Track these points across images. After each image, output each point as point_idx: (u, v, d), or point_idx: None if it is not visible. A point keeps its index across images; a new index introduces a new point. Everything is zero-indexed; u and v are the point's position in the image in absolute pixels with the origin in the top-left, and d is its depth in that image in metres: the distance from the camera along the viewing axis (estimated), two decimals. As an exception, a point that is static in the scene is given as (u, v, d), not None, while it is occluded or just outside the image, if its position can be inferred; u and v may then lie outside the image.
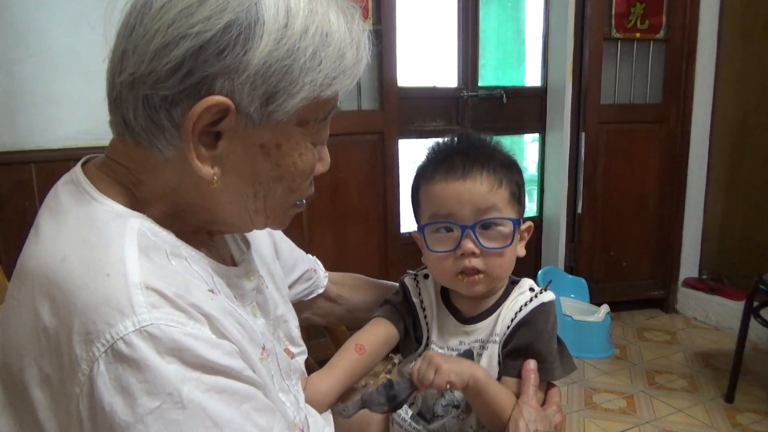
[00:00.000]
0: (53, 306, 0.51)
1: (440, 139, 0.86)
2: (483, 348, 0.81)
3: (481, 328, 0.82)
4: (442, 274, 0.81)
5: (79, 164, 0.62)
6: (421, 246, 0.84)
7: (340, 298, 1.04)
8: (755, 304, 2.11)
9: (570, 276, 2.79)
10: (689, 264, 3.04)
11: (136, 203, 0.59)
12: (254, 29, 0.52)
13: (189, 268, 0.57)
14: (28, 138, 1.79)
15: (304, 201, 0.69)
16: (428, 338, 0.85)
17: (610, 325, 2.61)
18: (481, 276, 0.79)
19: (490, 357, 0.80)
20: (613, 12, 2.71)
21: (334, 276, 1.07)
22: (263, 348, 0.64)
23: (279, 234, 0.93)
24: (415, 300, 0.87)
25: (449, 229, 0.80)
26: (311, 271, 1.00)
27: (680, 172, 2.92)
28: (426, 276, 0.89)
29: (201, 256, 0.61)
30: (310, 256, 1.03)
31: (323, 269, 1.05)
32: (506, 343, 0.79)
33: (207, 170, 0.56)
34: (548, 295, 0.82)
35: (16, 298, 0.55)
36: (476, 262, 0.78)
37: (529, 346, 0.78)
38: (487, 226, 0.78)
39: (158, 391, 0.47)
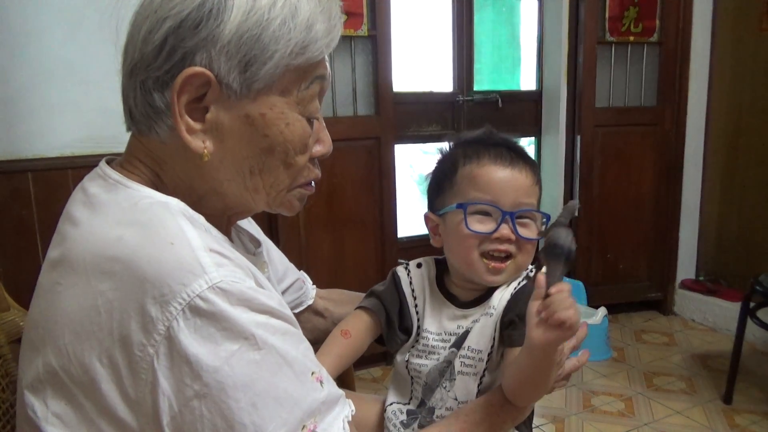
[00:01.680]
0: (115, 280, 0.54)
1: (469, 131, 0.89)
2: (474, 323, 0.83)
3: (478, 309, 0.84)
4: (467, 254, 0.82)
5: (103, 161, 0.66)
6: (433, 229, 0.87)
7: (327, 312, 1.05)
8: (752, 305, 2.12)
9: (567, 279, 2.79)
10: (686, 266, 3.05)
11: (161, 192, 0.63)
12: (225, 3, 0.57)
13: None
14: (25, 146, 1.79)
15: (313, 184, 0.71)
16: (419, 327, 0.87)
17: (608, 328, 2.62)
18: (509, 264, 0.82)
19: (481, 328, 0.82)
20: (607, 16, 2.72)
21: (321, 291, 1.08)
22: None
23: (270, 242, 0.95)
24: (406, 290, 0.89)
25: (486, 213, 0.82)
26: (300, 282, 1.02)
27: (676, 174, 2.93)
28: (419, 265, 0.90)
29: (226, 240, 0.65)
30: (297, 269, 1.04)
31: (311, 282, 1.06)
32: (505, 314, 0.80)
33: (197, 143, 0.60)
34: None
35: (63, 284, 0.57)
36: (511, 249, 0.82)
37: (523, 314, 0.78)
38: (522, 216, 0.82)
39: (236, 336, 0.53)
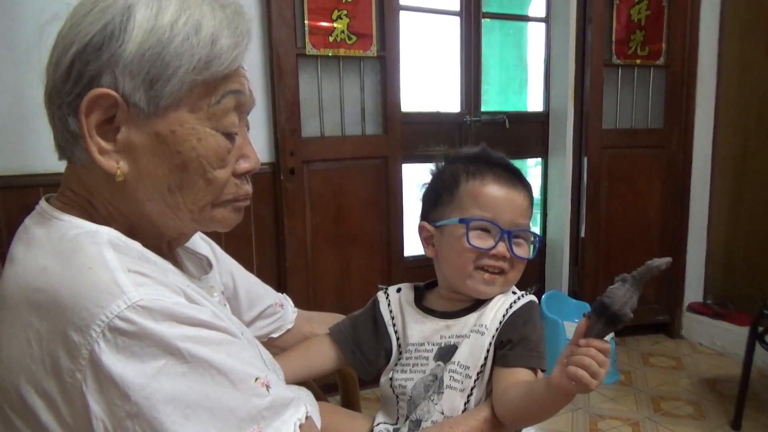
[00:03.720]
0: (40, 311, 0.54)
1: (467, 147, 0.94)
2: (461, 339, 0.84)
3: (462, 322, 0.86)
4: (464, 266, 0.86)
5: (42, 198, 0.68)
6: (426, 239, 0.91)
7: (312, 335, 1.03)
8: (760, 329, 2.10)
9: (574, 300, 2.78)
10: (694, 288, 3.02)
11: (96, 222, 0.64)
12: (126, 25, 0.58)
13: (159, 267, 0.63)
14: (38, 161, 1.82)
15: (246, 200, 0.70)
16: (399, 345, 0.90)
17: (615, 351, 2.59)
18: (499, 278, 0.85)
19: (471, 346, 0.83)
20: (614, 39, 2.75)
21: (307, 313, 1.08)
22: (242, 334, 0.67)
23: (238, 270, 0.96)
24: (384, 311, 0.93)
25: (486, 230, 0.85)
26: (275, 306, 1.01)
27: (683, 196, 2.92)
28: (398, 290, 0.95)
29: (167, 264, 0.65)
30: (278, 293, 1.04)
31: (293, 306, 1.06)
32: (501, 334, 0.83)
33: (110, 164, 0.61)
34: (532, 297, 0.88)
35: (0, 322, 0.58)
36: (505, 266, 0.85)
37: (523, 336, 0.82)
38: (518, 235, 0.86)
39: (162, 352, 0.53)
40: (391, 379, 0.88)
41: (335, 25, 2.20)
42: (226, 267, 0.93)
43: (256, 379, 0.58)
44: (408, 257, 2.50)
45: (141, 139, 0.61)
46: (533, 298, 0.88)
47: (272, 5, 2.08)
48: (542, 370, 0.82)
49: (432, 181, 0.93)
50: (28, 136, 1.81)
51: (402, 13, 2.38)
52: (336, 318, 1.08)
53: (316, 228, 2.26)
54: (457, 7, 2.72)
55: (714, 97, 2.90)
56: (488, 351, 0.82)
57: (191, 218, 0.66)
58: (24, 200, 1.79)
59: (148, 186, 0.63)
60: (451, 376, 0.82)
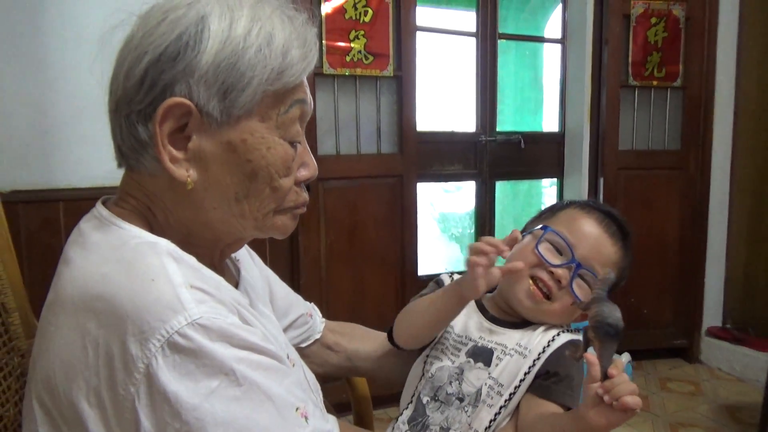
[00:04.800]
0: (99, 318, 0.54)
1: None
2: (504, 354, 0.83)
3: (507, 334, 0.86)
4: (521, 262, 0.84)
5: (99, 202, 0.68)
6: (511, 243, 0.83)
7: (338, 346, 1.03)
8: (782, 355, 2.05)
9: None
10: (713, 312, 2.97)
11: (154, 231, 0.64)
12: (201, 35, 0.59)
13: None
14: (59, 177, 1.85)
15: (304, 207, 0.71)
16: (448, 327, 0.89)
17: (632, 375, 2.55)
18: (545, 303, 0.84)
19: (507, 365, 0.82)
20: (630, 60, 2.75)
21: (332, 324, 1.07)
22: (287, 356, 0.68)
23: (274, 277, 0.95)
24: None
25: (560, 250, 0.85)
26: (306, 316, 1.00)
27: (701, 219, 2.89)
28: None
29: (221, 279, 0.65)
30: (307, 302, 1.04)
31: (320, 315, 1.05)
32: (547, 363, 0.81)
33: (181, 172, 0.61)
34: (576, 335, 0.85)
35: (54, 324, 0.59)
36: (553, 287, 0.84)
37: (568, 374, 0.80)
38: (584, 276, 0.84)
39: (216, 373, 0.53)
40: (426, 356, 0.89)
41: (352, 45, 2.23)
42: (264, 274, 0.92)
43: (297, 408, 0.58)
44: (422, 276, 2.49)
45: (212, 148, 0.61)
46: (577, 336, 0.85)
47: None
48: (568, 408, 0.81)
49: (544, 208, 0.96)
50: (50, 152, 1.85)
51: (418, 33, 2.40)
52: (359, 329, 1.08)
53: (330, 246, 2.27)
54: (473, 28, 2.75)
55: (732, 119, 2.88)
56: (525, 375, 0.81)
57: (254, 225, 0.67)
58: (44, 215, 1.82)
59: (215, 194, 0.63)
60: (488, 392, 0.82)
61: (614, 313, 0.70)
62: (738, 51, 2.84)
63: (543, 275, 0.84)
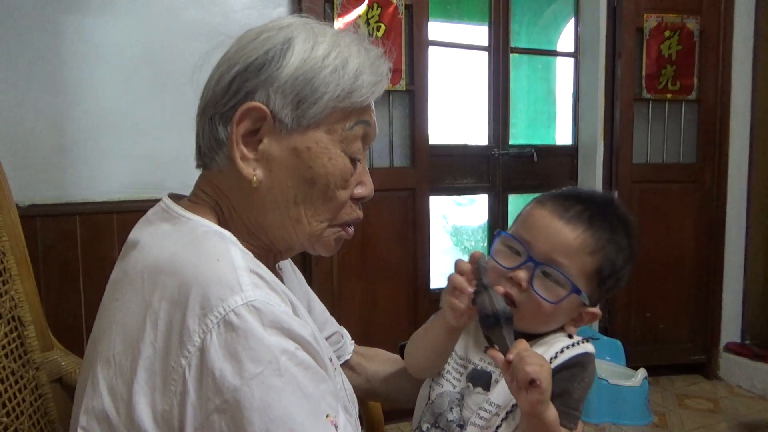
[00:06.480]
0: (164, 291, 0.58)
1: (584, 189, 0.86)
2: (498, 370, 0.79)
3: None
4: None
5: (165, 196, 0.72)
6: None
7: (360, 367, 1.04)
8: (803, 372, 2.01)
9: (605, 337, 2.71)
10: (731, 328, 2.92)
11: (221, 224, 0.69)
12: (286, 52, 0.66)
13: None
14: (76, 191, 1.88)
15: (352, 228, 0.75)
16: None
17: (648, 391, 2.51)
18: (513, 310, 0.76)
19: (505, 386, 0.76)
20: (644, 73, 2.74)
21: (359, 347, 1.08)
22: (330, 360, 0.70)
23: (313, 294, 0.98)
24: None
25: (517, 252, 0.78)
26: (338, 335, 1.02)
27: (718, 233, 2.85)
28: None
29: (274, 276, 0.67)
30: (339, 325, 1.05)
31: (350, 338, 1.06)
32: None
33: (248, 170, 0.67)
34: (590, 347, 0.80)
35: (120, 299, 0.63)
36: (515, 293, 0.77)
37: (565, 390, 0.75)
38: (548, 273, 0.76)
39: (261, 359, 0.55)
40: (431, 380, 0.86)
41: (365, 60, 2.25)
42: (304, 289, 0.95)
43: (327, 415, 0.59)
44: (434, 290, 2.48)
45: (279, 152, 0.67)
46: (589, 348, 0.79)
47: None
48: (570, 429, 0.76)
49: None
50: (68, 167, 1.88)
51: (431, 48, 2.42)
52: (379, 352, 1.07)
53: (342, 259, 2.27)
54: (485, 42, 2.76)
55: (749, 131, 2.85)
56: None
57: (308, 232, 0.71)
58: (61, 228, 1.85)
59: (276, 195, 0.68)
60: (478, 413, 0.79)
61: (491, 301, 0.70)
62: (754, 63, 2.82)
63: (505, 283, 0.77)
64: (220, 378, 0.54)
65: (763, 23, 2.79)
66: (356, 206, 0.74)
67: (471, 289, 0.73)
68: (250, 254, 0.65)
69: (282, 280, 0.82)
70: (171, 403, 0.55)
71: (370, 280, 2.34)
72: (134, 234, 0.68)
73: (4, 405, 0.79)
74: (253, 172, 0.67)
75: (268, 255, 0.74)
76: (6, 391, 0.79)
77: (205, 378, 0.54)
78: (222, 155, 0.68)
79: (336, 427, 0.59)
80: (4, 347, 0.81)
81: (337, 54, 0.68)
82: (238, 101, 0.66)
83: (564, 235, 0.77)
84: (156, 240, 0.65)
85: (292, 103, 0.66)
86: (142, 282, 0.61)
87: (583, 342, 0.80)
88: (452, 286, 0.76)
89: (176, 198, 0.73)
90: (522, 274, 0.76)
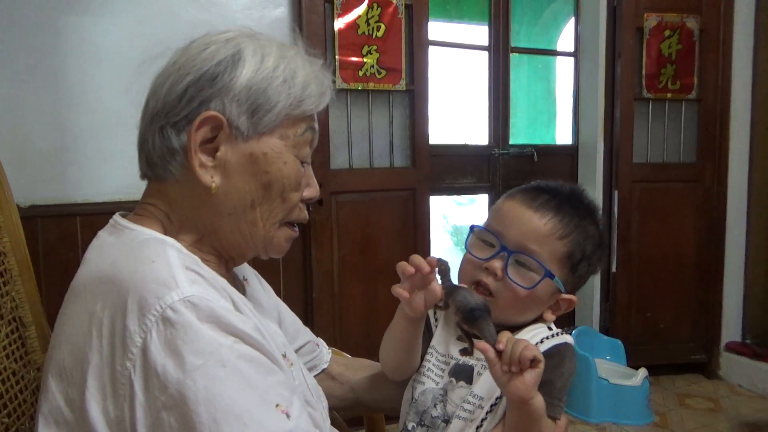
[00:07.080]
0: (105, 299, 0.59)
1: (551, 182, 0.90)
2: (485, 367, 0.79)
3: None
4: (464, 275, 0.85)
5: (116, 214, 0.74)
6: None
7: (342, 377, 1.03)
8: (804, 371, 2.01)
9: (605, 337, 2.71)
10: (732, 327, 2.92)
11: (167, 233, 0.71)
12: (238, 63, 0.69)
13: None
14: (76, 191, 1.88)
15: (296, 228, 0.78)
16: (429, 345, 0.87)
17: (649, 390, 2.51)
18: (489, 300, 0.79)
19: (487, 378, 0.78)
20: (644, 73, 2.74)
21: (339, 357, 1.08)
22: (284, 355, 0.71)
23: (283, 305, 0.98)
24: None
25: (491, 244, 0.82)
26: (313, 344, 1.02)
27: (718, 232, 2.85)
28: None
29: (219, 277, 0.69)
30: (314, 335, 1.04)
31: (327, 348, 1.06)
32: None
33: (207, 177, 0.69)
34: (569, 338, 0.83)
35: (66, 314, 0.65)
36: (491, 283, 0.81)
37: (548, 380, 0.75)
38: (522, 261, 0.80)
39: (202, 351, 0.56)
40: (413, 380, 0.86)
41: (365, 59, 2.25)
42: (273, 300, 0.95)
43: (277, 405, 0.59)
44: (435, 290, 2.48)
45: (236, 158, 0.70)
46: (569, 339, 0.82)
47: (303, 40, 2.13)
48: (555, 419, 0.77)
49: None
50: (68, 167, 1.88)
51: (431, 47, 2.42)
52: (363, 361, 1.07)
53: (343, 259, 2.27)
54: (485, 42, 2.76)
55: (749, 131, 2.85)
56: None
57: (263, 235, 0.73)
58: (62, 229, 1.85)
59: (233, 199, 0.70)
60: (462, 406, 0.80)
61: (471, 297, 0.74)
62: (754, 62, 2.82)
63: (480, 275, 0.81)
64: (164, 374, 0.54)
65: (763, 21, 2.79)
66: (304, 207, 0.77)
67: (412, 270, 0.79)
68: (194, 256, 0.67)
69: (244, 292, 0.82)
70: (122, 407, 0.56)
71: (370, 279, 2.34)
72: (86, 252, 0.70)
73: (5, 405, 0.79)
74: (212, 179, 0.69)
75: (221, 262, 0.75)
76: (7, 391, 0.79)
77: (150, 377, 0.55)
78: (176, 164, 0.69)
79: (287, 415, 0.59)
80: (5, 348, 0.81)
81: (286, 65, 0.71)
82: (191, 110, 0.68)
83: (534, 222, 0.81)
84: (99, 252, 0.68)
85: (248, 111, 0.68)
86: (85, 293, 0.62)
87: (561, 333, 0.83)
88: (405, 273, 0.81)
89: (126, 214, 0.74)
90: (497, 263, 0.80)
